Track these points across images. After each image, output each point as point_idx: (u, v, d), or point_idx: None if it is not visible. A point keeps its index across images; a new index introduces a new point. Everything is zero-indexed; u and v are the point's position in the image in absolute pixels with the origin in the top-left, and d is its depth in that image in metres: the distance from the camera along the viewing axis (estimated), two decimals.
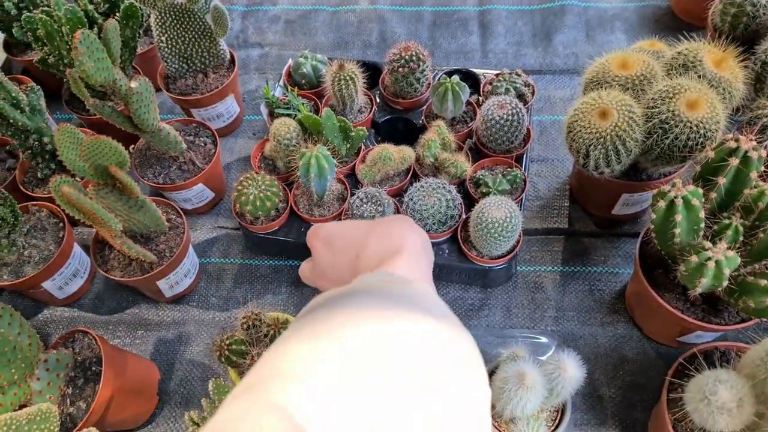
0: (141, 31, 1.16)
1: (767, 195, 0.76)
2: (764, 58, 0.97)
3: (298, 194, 1.06)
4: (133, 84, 0.93)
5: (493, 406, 0.81)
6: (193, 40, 1.16)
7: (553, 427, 0.82)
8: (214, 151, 1.13)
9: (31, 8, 1.22)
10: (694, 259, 0.76)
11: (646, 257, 0.90)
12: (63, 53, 1.09)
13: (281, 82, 1.21)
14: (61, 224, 1.04)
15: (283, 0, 1.55)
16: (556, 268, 1.06)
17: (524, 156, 1.08)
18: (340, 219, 1.02)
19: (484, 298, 1.04)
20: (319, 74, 1.19)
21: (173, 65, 1.19)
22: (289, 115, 1.11)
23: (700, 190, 0.78)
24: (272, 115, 1.16)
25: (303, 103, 1.13)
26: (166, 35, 1.14)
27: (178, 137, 1.07)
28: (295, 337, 0.39)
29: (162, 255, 0.98)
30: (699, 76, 0.90)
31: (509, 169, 1.05)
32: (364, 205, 0.97)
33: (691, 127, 0.84)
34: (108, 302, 1.10)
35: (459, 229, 0.99)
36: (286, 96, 1.15)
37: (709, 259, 0.75)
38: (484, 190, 1.01)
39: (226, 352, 0.81)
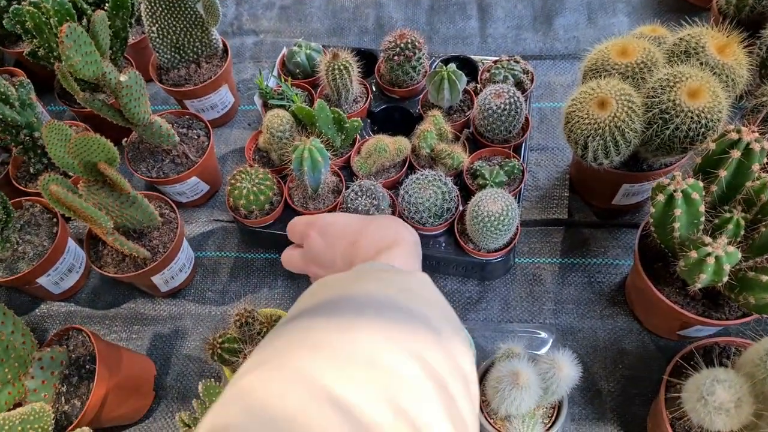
0: (132, 21, 1.14)
1: None
2: None
3: (293, 187, 1.05)
4: (123, 77, 0.91)
5: (488, 404, 0.80)
6: (184, 29, 1.14)
7: (549, 424, 0.81)
8: (207, 143, 1.11)
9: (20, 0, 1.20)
10: (693, 254, 0.74)
11: (646, 250, 0.88)
12: (52, 45, 1.08)
13: (275, 72, 1.19)
14: (54, 219, 1.03)
15: None
16: (555, 259, 1.05)
17: (523, 146, 1.05)
18: (335, 212, 1.01)
19: (481, 291, 1.03)
20: (314, 63, 1.16)
21: (165, 56, 1.17)
22: (282, 106, 1.09)
23: (701, 184, 0.76)
24: (266, 106, 1.14)
25: (297, 94, 1.11)
26: (156, 25, 1.12)
27: (171, 130, 1.06)
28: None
29: (156, 251, 0.97)
30: (701, 63, 0.87)
31: (507, 160, 1.02)
32: (359, 199, 0.96)
33: (692, 117, 0.82)
34: (104, 297, 1.10)
35: (456, 221, 0.98)
36: (280, 86, 1.13)
37: (709, 254, 0.73)
38: (481, 182, 0.99)
39: (219, 351, 0.81)
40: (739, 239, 0.76)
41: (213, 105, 1.23)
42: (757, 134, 0.74)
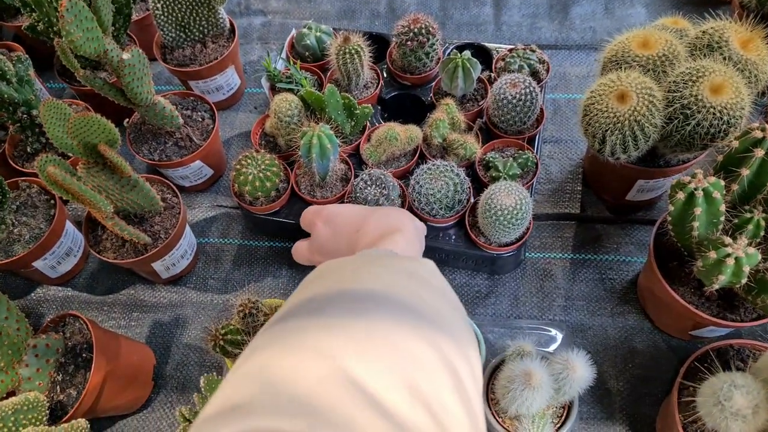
0: None
1: None
2: None
3: (300, 174, 1.02)
4: (125, 55, 0.88)
5: (497, 403, 0.78)
6: (190, 7, 1.10)
7: (558, 424, 0.80)
8: (212, 126, 1.08)
9: None
10: (712, 255, 0.72)
11: (661, 248, 0.86)
12: (52, 20, 1.04)
13: (284, 54, 1.15)
14: (52, 201, 1.00)
15: None
16: (566, 255, 1.02)
17: (536, 137, 1.03)
18: (343, 201, 0.98)
19: (491, 285, 1.00)
20: (324, 46, 1.13)
21: (170, 34, 1.13)
22: (291, 90, 1.06)
23: (722, 182, 0.74)
24: (274, 89, 1.11)
25: (306, 77, 1.08)
26: (161, 2, 1.08)
27: (175, 112, 1.02)
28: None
29: (157, 236, 0.95)
30: (724, 58, 0.84)
31: (520, 152, 1.00)
32: (368, 188, 0.93)
33: (714, 114, 0.79)
34: (103, 282, 1.07)
35: (467, 214, 0.95)
36: (289, 69, 1.09)
37: (729, 255, 0.71)
38: (493, 174, 0.96)
39: (221, 342, 0.78)
40: (758, 240, 0.74)
41: (218, 87, 1.19)
42: None
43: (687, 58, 0.87)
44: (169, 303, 1.04)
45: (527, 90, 0.96)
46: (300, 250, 0.77)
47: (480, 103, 1.06)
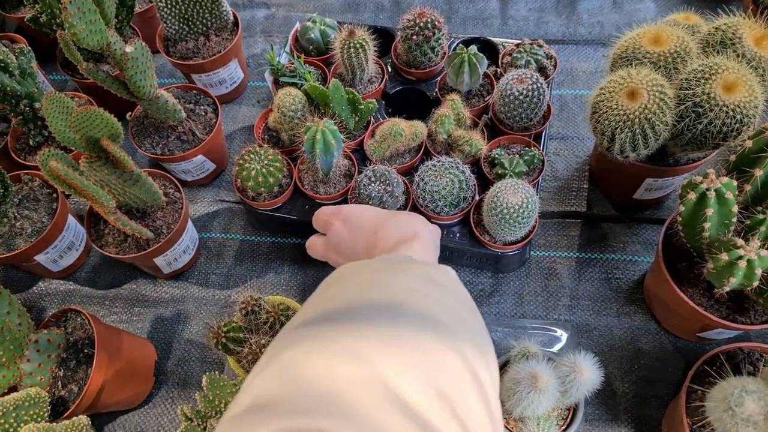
0: None
1: None
2: None
3: (303, 169, 1.00)
4: (128, 49, 0.87)
5: (502, 404, 0.77)
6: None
7: (564, 426, 0.79)
8: (215, 120, 1.07)
9: None
10: (724, 257, 0.70)
11: (670, 249, 0.85)
12: (55, 12, 1.03)
13: (287, 48, 1.14)
14: (54, 195, 0.99)
15: None
16: (572, 254, 1.01)
17: (543, 134, 1.01)
18: (347, 198, 0.97)
19: (495, 284, 0.99)
20: (328, 40, 1.12)
21: (173, 27, 1.12)
22: (294, 84, 1.04)
23: (735, 183, 0.73)
24: (277, 83, 1.09)
25: (310, 72, 1.06)
26: None
27: (177, 105, 1.01)
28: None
29: (159, 231, 0.94)
30: (737, 55, 0.83)
31: (527, 149, 0.98)
32: (372, 185, 0.92)
33: (726, 112, 0.78)
34: (105, 276, 1.07)
35: (471, 211, 0.94)
36: (292, 63, 1.08)
37: (741, 258, 0.69)
38: (499, 171, 0.95)
39: (223, 340, 0.77)
40: None
41: (221, 80, 1.18)
42: None
43: (699, 55, 0.85)
44: (170, 298, 1.03)
45: (535, 86, 0.95)
46: (315, 245, 0.78)
47: (486, 99, 1.04)
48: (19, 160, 1.06)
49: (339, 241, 0.72)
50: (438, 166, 0.92)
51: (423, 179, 0.92)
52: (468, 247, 0.94)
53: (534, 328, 0.92)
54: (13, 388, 0.79)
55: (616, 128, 0.82)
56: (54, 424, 0.72)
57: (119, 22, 1.09)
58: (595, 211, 1.05)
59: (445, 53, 1.09)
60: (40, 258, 0.97)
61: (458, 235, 0.95)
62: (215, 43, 1.14)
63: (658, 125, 0.80)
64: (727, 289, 0.73)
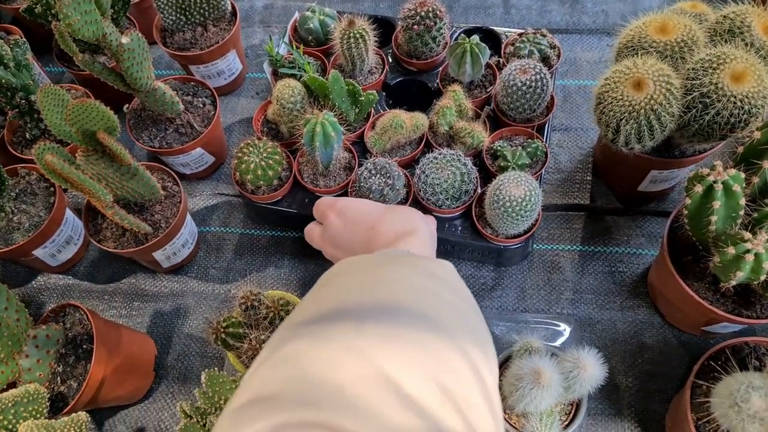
0: None
1: None
2: None
3: (303, 162, 0.99)
4: (124, 40, 0.85)
5: (505, 400, 0.76)
6: None
7: (567, 422, 0.78)
8: (213, 112, 1.05)
9: None
10: (731, 250, 0.69)
11: (675, 242, 0.83)
12: (50, 2, 1.01)
13: (286, 38, 1.12)
14: (51, 189, 0.98)
15: None
16: (575, 247, 1.00)
17: (546, 125, 1.00)
18: (347, 191, 0.95)
19: (497, 278, 0.98)
20: (328, 30, 1.10)
21: (170, 17, 1.10)
22: (293, 76, 1.03)
23: (742, 175, 0.71)
24: (276, 75, 1.08)
25: (309, 62, 1.05)
26: None
27: (175, 97, 1.00)
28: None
29: (157, 225, 0.93)
30: (746, 44, 0.81)
31: (530, 140, 0.97)
32: (373, 178, 0.90)
33: (734, 103, 0.76)
34: (104, 270, 1.06)
35: (474, 204, 0.93)
36: (291, 54, 1.06)
37: (748, 251, 0.68)
38: (502, 164, 0.93)
39: (223, 336, 0.77)
40: None
41: (220, 71, 1.16)
42: None
43: (707, 44, 0.84)
44: (170, 292, 1.02)
45: (538, 76, 0.93)
46: (313, 233, 0.77)
47: (488, 90, 1.03)
48: (16, 154, 1.05)
49: (334, 234, 0.72)
50: (439, 159, 0.91)
51: (424, 172, 0.90)
52: (470, 240, 0.93)
53: (536, 323, 0.91)
54: (12, 385, 0.78)
55: (621, 119, 0.80)
56: (53, 420, 0.71)
57: (115, 12, 1.07)
58: (598, 203, 1.03)
59: (446, 43, 1.07)
60: (38, 252, 0.96)
61: (460, 228, 0.94)
62: (213, 33, 1.13)
63: (665, 116, 0.78)
64: (733, 283, 0.72)
